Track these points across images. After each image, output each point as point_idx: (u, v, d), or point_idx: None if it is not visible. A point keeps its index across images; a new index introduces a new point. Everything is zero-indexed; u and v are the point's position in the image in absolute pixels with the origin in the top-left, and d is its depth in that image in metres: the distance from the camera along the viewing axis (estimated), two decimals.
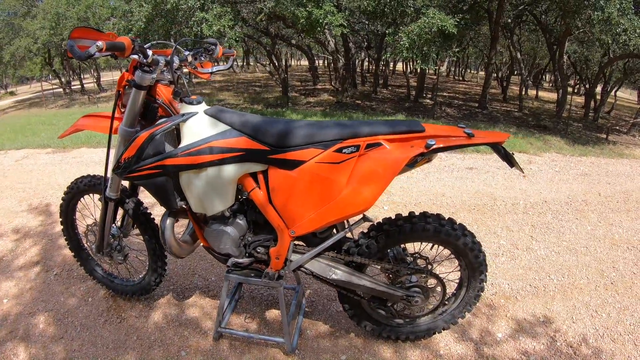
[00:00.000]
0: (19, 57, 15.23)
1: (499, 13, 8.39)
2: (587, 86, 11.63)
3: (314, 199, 1.33)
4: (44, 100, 15.88)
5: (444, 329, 1.72)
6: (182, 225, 2.14)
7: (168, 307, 2.05)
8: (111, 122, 1.53)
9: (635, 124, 8.10)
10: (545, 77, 22.27)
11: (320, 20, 6.00)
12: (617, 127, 8.75)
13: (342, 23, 6.16)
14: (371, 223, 1.57)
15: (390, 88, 14.78)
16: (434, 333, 1.72)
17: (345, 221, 1.59)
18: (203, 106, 1.43)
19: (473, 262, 1.52)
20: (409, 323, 1.71)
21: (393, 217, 1.53)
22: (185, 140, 1.38)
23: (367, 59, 17.07)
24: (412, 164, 1.38)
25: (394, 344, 1.76)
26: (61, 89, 18.48)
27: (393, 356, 1.71)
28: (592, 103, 10.50)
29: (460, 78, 21.83)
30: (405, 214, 1.54)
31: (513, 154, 1.40)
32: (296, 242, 1.63)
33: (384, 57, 10.35)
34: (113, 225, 1.90)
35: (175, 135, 1.45)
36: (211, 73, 1.71)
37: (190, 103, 1.41)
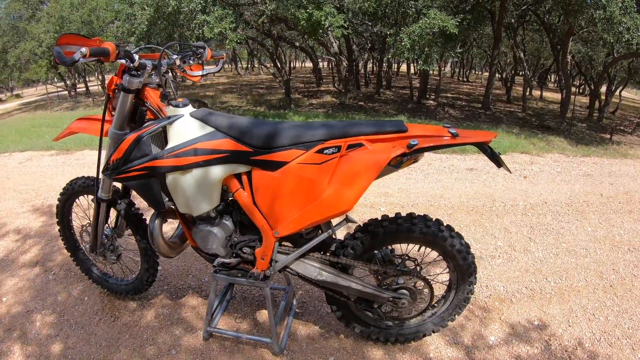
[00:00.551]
0: (24, 60, 15.42)
1: (502, 13, 8.34)
2: (592, 86, 11.50)
3: (297, 200, 1.33)
4: (49, 103, 16.09)
5: (433, 332, 1.70)
6: (173, 227, 2.15)
7: (161, 307, 2.06)
8: (102, 125, 1.56)
9: None
10: (550, 78, 22.07)
11: (322, 22, 6.01)
12: (622, 127, 8.65)
13: (342, 24, 6.17)
14: (357, 224, 1.56)
15: (393, 90, 14.76)
16: (424, 336, 1.70)
17: (331, 222, 1.59)
18: (189, 109, 1.44)
19: (461, 264, 1.51)
20: (398, 325, 1.69)
21: (379, 218, 1.52)
22: (172, 142, 1.40)
23: (370, 60, 17.07)
24: (398, 164, 1.38)
25: (384, 346, 1.74)
26: (66, 92, 18.72)
27: (383, 357, 1.70)
28: (597, 103, 10.37)
29: (465, 79, 21.72)
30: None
31: (500, 153, 1.39)
32: (284, 243, 1.63)
33: (385, 58, 10.33)
34: (107, 225, 1.92)
35: (162, 137, 1.46)
36: (202, 76, 1.74)
37: (177, 106, 1.43)
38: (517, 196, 3.36)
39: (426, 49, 5.98)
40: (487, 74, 19.73)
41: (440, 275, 1.94)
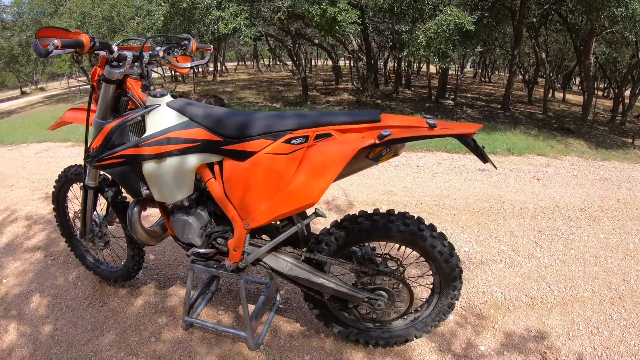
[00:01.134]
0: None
1: (522, 12, 7.99)
2: (617, 89, 10.90)
3: (264, 191, 1.30)
4: (70, 96, 16.58)
5: (416, 337, 1.62)
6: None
7: (149, 295, 2.08)
8: (87, 115, 1.59)
9: None
10: (575, 80, 21.12)
11: (337, 18, 5.94)
12: None
13: (356, 21, 6.07)
14: (324, 218, 1.50)
15: (413, 89, 14.48)
16: (406, 341, 1.62)
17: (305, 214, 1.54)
18: (167, 99, 1.44)
19: (444, 267, 1.42)
20: (379, 328, 1.62)
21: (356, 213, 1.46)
22: (148, 131, 1.40)
23: (391, 59, 16.81)
24: (377, 157, 1.31)
25: (364, 349, 1.68)
26: (88, 86, 19.28)
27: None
28: (620, 106, 9.82)
29: (487, 80, 21.09)
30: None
31: (484, 147, 1.30)
32: (263, 236, 1.60)
33: (401, 56, 10.12)
34: (97, 213, 1.95)
35: (142, 126, 1.46)
36: (190, 67, 1.74)
37: (155, 96, 1.43)
38: (528, 199, 3.20)
39: (442, 47, 5.80)
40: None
41: (424, 278, 1.86)
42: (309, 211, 1.47)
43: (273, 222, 1.51)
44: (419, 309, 1.62)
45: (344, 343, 1.71)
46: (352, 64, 14.62)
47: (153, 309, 1.97)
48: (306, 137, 1.23)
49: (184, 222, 1.51)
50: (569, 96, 14.67)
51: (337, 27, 6.34)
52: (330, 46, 16.44)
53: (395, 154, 1.33)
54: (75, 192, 2.13)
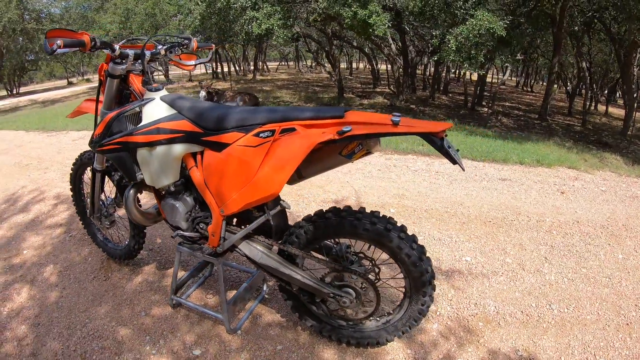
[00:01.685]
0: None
1: (561, 19, 7.46)
2: None
3: (236, 180, 1.36)
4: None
5: (387, 340, 1.59)
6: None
7: (148, 274, 2.21)
8: (96, 105, 1.76)
9: None
10: (620, 93, 19.35)
11: (368, 21, 5.91)
12: None
13: (386, 23, 5.99)
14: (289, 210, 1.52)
15: (450, 95, 14.02)
16: (377, 343, 1.60)
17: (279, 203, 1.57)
18: (161, 93, 1.56)
19: (412, 271, 1.39)
20: (351, 327, 1.62)
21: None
22: (143, 122, 1.52)
23: (432, 64, 16.38)
24: (350, 155, 1.32)
25: (336, 347, 1.68)
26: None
27: (332, 357, 1.63)
28: None
29: (529, 89, 19.94)
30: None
31: (458, 150, 1.26)
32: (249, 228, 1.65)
33: (432, 60, 9.82)
34: (107, 195, 2.12)
35: (139, 117, 1.58)
36: (194, 65, 1.85)
37: (151, 90, 1.56)
38: (547, 212, 3.01)
39: (472, 52, 5.56)
40: (555, 85, 17.82)
41: (398, 281, 1.82)
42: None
43: (251, 211, 1.56)
44: (391, 312, 1.59)
45: (318, 339, 1.72)
46: (389, 68, 14.45)
47: (149, 287, 2.10)
48: (273, 131, 1.27)
49: (172, 206, 1.62)
50: (612, 109, 13.51)
51: (370, 30, 6.31)
52: (370, 49, 16.34)
53: (369, 152, 1.33)
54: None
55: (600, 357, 1.67)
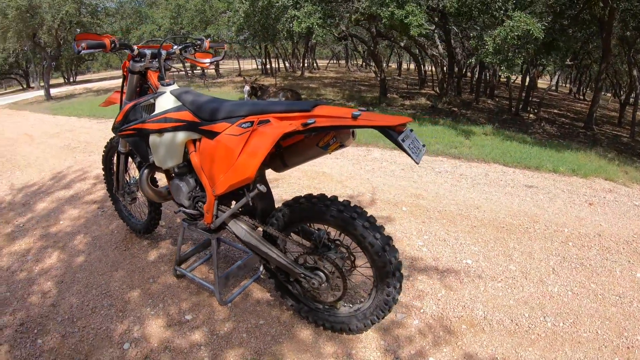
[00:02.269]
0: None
1: (610, 23, 6.76)
2: None
3: (222, 164, 1.50)
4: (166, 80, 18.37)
5: (357, 328, 1.64)
6: None
7: (163, 248, 2.45)
8: (120, 96, 2.02)
9: None
10: None
11: (405, 21, 5.83)
12: None
13: (421, 24, 5.85)
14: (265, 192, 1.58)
15: (497, 99, 13.31)
16: (349, 329, 1.66)
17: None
18: (172, 87, 1.76)
19: (376, 260, 1.43)
20: (327, 311, 1.70)
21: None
22: (155, 112, 1.74)
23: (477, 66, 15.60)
24: (326, 146, 1.41)
25: (313, 330, 1.76)
26: (183, 72, 21.05)
27: (306, 339, 1.72)
28: None
29: (582, 97, 18.26)
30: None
31: (424, 146, 1.29)
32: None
33: (467, 62, 9.36)
34: (132, 175, 2.38)
35: (153, 107, 1.79)
36: (210, 63, 2.06)
37: (164, 85, 1.77)
38: (568, 222, 2.83)
39: (509, 54, 5.25)
40: (608, 94, 16.10)
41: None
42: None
43: (242, 193, 1.70)
44: (362, 300, 1.64)
45: (299, 320, 1.82)
46: (433, 69, 14.02)
47: (161, 259, 2.33)
48: (252, 122, 1.40)
49: (177, 186, 1.82)
50: None
51: (411, 30, 6.22)
52: (418, 49, 15.96)
53: (342, 145, 1.41)
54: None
55: None
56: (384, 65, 27.66)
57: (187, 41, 1.96)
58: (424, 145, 1.29)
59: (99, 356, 1.61)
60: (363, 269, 1.67)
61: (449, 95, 10.42)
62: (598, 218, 2.91)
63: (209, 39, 2.01)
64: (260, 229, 1.68)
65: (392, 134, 1.20)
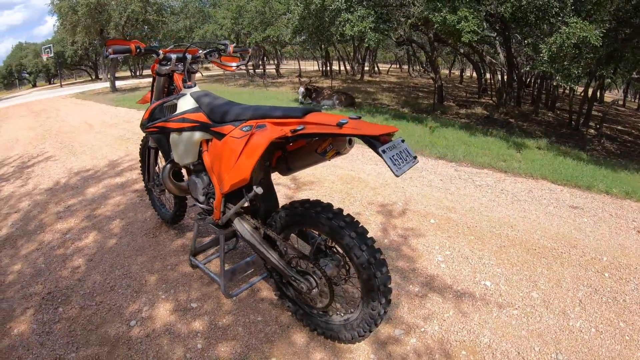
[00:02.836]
0: (206, 40, 17.58)
1: None
2: None
3: (226, 164, 1.58)
4: (225, 79, 18.79)
5: (345, 338, 1.62)
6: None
7: (187, 239, 2.63)
8: (150, 97, 2.21)
9: None
10: None
11: (457, 26, 5.58)
12: None
13: (473, 30, 5.54)
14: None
15: (557, 111, 12.22)
16: (339, 338, 1.65)
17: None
18: (192, 90, 1.90)
19: (361, 272, 1.42)
20: (320, 317, 1.70)
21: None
22: (176, 112, 1.88)
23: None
24: (323, 153, 1.43)
25: (307, 335, 1.78)
26: (244, 70, 21.15)
27: (298, 342, 1.75)
28: None
29: None
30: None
31: (416, 157, 1.25)
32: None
33: (526, 71, 8.63)
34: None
35: (175, 107, 1.93)
36: (236, 67, 2.20)
37: (185, 87, 1.91)
38: (609, 250, 2.54)
39: (565, 63, 4.75)
40: None
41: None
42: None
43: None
44: (352, 310, 1.63)
45: (296, 323, 1.84)
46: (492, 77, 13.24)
47: (183, 249, 2.50)
48: (251, 127, 1.46)
49: (194, 182, 1.95)
50: None
51: (463, 36, 5.96)
52: (480, 57, 15.19)
53: (338, 152, 1.42)
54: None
55: None
56: (448, 72, 26.64)
57: (212, 46, 2.08)
58: (415, 157, 1.26)
59: (107, 329, 1.79)
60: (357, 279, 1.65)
61: (506, 106, 9.79)
62: None
63: (233, 44, 2.12)
64: (262, 230, 1.74)
65: (375, 144, 1.19)
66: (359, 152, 4.84)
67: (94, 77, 31.49)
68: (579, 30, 4.56)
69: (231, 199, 1.83)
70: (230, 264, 2.29)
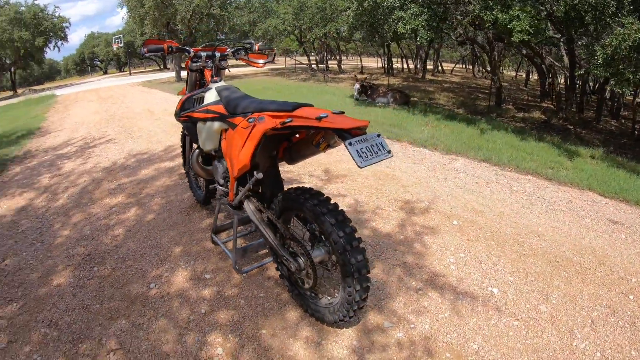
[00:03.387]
0: (269, 34, 17.89)
1: None
2: None
3: (236, 152, 1.77)
4: (286, 73, 19.16)
5: (329, 320, 1.72)
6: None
7: (218, 220, 2.85)
8: (185, 90, 2.47)
9: None
10: None
11: (508, 26, 5.29)
12: None
13: (525, 29, 5.18)
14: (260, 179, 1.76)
15: (622, 120, 10.94)
16: (324, 320, 1.75)
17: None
18: (217, 84, 2.12)
19: (338, 257, 1.51)
20: (310, 298, 1.83)
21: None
22: (203, 103, 2.11)
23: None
24: (317, 145, 1.56)
25: (301, 313, 1.90)
26: (306, 65, 21.56)
27: (290, 319, 1.88)
28: None
29: None
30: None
31: (390, 151, 1.32)
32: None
33: (577, 73, 7.75)
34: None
35: (203, 100, 2.17)
36: (263, 64, 2.40)
37: (213, 82, 2.15)
38: None
39: (620, 67, 4.25)
40: None
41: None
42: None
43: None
44: (336, 295, 1.73)
45: (293, 302, 1.98)
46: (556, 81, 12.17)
47: (209, 227, 2.75)
48: (254, 119, 1.63)
49: (216, 166, 2.20)
50: None
51: (514, 35, 5.63)
52: (542, 59, 14.07)
53: (329, 145, 1.53)
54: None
55: None
56: (514, 74, 24.90)
57: (238, 45, 2.30)
58: (389, 151, 1.32)
59: (130, 288, 2.09)
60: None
61: (567, 111, 9.02)
62: None
63: (258, 43, 2.32)
64: (265, 212, 1.91)
65: (346, 136, 1.28)
66: (400, 150, 4.84)
67: (162, 67, 33.82)
68: (634, 32, 4.11)
69: (242, 182, 2.02)
70: (246, 243, 2.50)
